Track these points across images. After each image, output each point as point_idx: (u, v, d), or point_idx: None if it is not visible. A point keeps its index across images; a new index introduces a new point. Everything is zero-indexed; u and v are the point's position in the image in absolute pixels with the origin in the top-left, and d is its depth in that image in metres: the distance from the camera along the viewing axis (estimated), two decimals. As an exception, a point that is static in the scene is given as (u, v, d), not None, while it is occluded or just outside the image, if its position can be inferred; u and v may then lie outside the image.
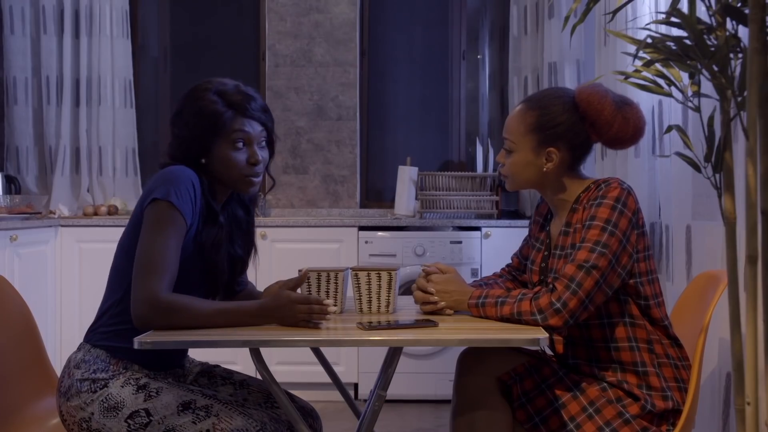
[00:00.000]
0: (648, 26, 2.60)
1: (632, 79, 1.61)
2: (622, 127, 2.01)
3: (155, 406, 1.90)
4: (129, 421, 1.89)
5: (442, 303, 2.05)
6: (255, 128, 2.04)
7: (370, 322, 1.92)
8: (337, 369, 2.52)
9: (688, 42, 1.47)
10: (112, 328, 1.99)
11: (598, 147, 3.03)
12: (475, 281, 2.34)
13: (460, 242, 4.25)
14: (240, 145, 2.02)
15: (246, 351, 1.84)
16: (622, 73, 1.63)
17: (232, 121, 2.01)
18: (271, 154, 2.12)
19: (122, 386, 1.93)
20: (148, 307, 1.83)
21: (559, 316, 1.88)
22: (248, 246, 2.18)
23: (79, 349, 2.01)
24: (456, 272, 2.11)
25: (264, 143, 2.08)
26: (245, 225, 2.17)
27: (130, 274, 1.90)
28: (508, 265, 2.39)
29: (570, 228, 2.05)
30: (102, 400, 1.91)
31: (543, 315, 1.89)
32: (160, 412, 1.90)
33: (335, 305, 2.01)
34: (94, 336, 2.01)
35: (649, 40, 1.53)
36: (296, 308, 1.85)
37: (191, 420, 1.89)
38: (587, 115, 2.03)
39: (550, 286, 1.92)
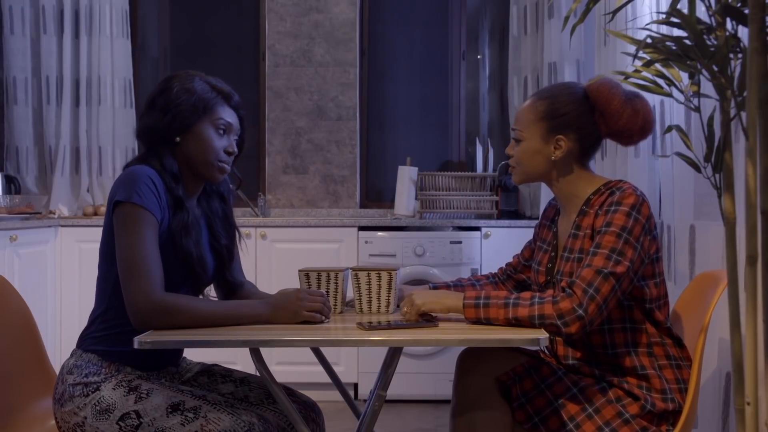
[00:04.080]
0: (648, 26, 2.60)
1: (632, 79, 1.61)
2: (631, 117, 2.02)
3: (145, 408, 1.90)
4: (120, 423, 1.89)
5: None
6: (235, 120, 2.11)
7: (370, 322, 1.92)
8: (337, 369, 2.52)
9: (687, 42, 1.47)
10: (103, 333, 1.99)
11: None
12: (433, 284, 2.36)
13: (460, 242, 4.25)
14: (222, 131, 2.07)
15: (246, 351, 1.84)
16: (622, 73, 1.63)
17: (219, 107, 2.07)
18: (240, 151, 2.16)
19: (114, 388, 1.93)
20: (146, 309, 1.84)
21: (581, 322, 1.87)
22: (230, 233, 2.19)
23: (71, 355, 2.02)
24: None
25: (236, 138, 2.13)
26: (222, 212, 2.19)
27: (114, 279, 1.92)
28: (507, 264, 2.40)
29: (580, 231, 2.04)
30: (94, 404, 1.91)
31: (564, 320, 1.87)
32: (150, 414, 1.89)
33: (336, 306, 2.10)
34: (85, 341, 2.01)
35: (648, 40, 1.53)
36: (302, 297, 1.91)
37: (180, 422, 1.88)
38: (597, 105, 2.04)
39: (568, 291, 1.91)
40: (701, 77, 1.52)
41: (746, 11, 1.38)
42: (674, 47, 1.50)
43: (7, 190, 4.51)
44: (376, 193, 5.14)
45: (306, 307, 1.91)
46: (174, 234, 1.98)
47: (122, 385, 1.93)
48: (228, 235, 2.17)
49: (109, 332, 1.98)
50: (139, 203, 1.91)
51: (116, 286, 1.92)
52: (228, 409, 1.92)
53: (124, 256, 1.89)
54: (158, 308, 1.83)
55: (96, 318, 2.02)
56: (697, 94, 1.56)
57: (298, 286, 2.12)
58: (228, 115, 2.08)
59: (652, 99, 2.99)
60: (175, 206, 2.01)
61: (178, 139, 2.04)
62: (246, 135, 2.17)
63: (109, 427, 1.89)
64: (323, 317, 1.92)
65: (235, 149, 2.10)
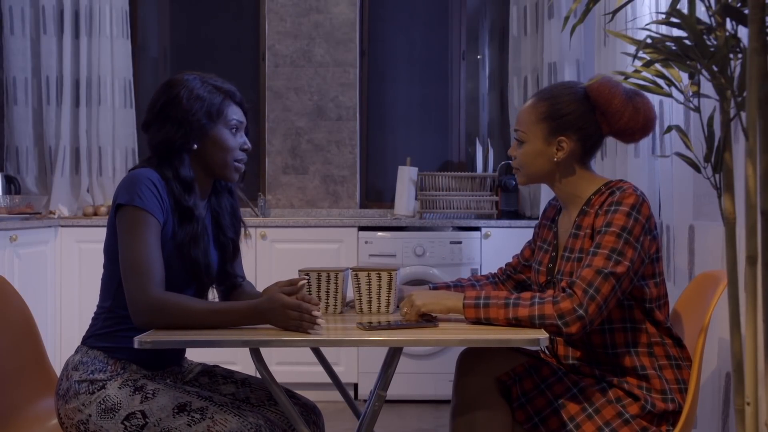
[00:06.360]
0: (648, 26, 2.60)
1: (632, 80, 1.61)
2: (632, 116, 2.02)
3: (151, 408, 1.91)
4: (125, 422, 1.90)
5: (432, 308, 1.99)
6: (243, 117, 2.14)
7: (370, 322, 1.92)
8: (337, 369, 2.52)
9: (687, 42, 1.47)
10: (108, 330, 2.00)
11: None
12: (433, 285, 2.35)
13: (460, 242, 4.25)
14: (234, 130, 2.10)
15: (246, 351, 1.84)
16: (622, 73, 1.63)
17: (228, 107, 2.09)
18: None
19: (120, 387, 1.93)
20: (144, 307, 1.86)
21: (581, 322, 1.87)
22: (237, 226, 2.21)
23: (76, 351, 2.03)
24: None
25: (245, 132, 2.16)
26: (231, 207, 2.21)
27: (118, 277, 1.94)
28: (507, 264, 2.39)
29: (580, 231, 2.04)
30: (99, 402, 1.92)
31: (564, 320, 1.87)
32: (156, 414, 1.90)
33: (323, 318, 1.94)
34: (90, 339, 2.03)
35: (648, 41, 1.53)
36: (287, 314, 1.84)
37: (186, 422, 1.89)
38: (598, 104, 2.04)
39: (568, 291, 1.91)
40: (701, 77, 1.52)
41: (746, 11, 1.38)
42: (674, 47, 1.50)
43: (7, 191, 4.51)
44: (376, 193, 5.14)
45: (290, 324, 1.84)
46: (182, 244, 1.99)
47: (128, 385, 1.94)
48: (234, 229, 2.20)
49: (113, 329, 1.99)
50: (141, 206, 1.93)
51: (120, 283, 1.94)
52: (234, 410, 1.92)
53: (126, 258, 1.91)
54: (154, 305, 1.85)
55: (100, 315, 2.03)
56: (697, 94, 1.56)
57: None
58: (237, 114, 2.11)
59: (652, 99, 2.99)
60: (184, 215, 2.01)
61: (195, 146, 2.06)
62: (250, 126, 2.20)
63: (114, 426, 1.90)
64: (307, 330, 1.83)
65: (249, 145, 2.13)
